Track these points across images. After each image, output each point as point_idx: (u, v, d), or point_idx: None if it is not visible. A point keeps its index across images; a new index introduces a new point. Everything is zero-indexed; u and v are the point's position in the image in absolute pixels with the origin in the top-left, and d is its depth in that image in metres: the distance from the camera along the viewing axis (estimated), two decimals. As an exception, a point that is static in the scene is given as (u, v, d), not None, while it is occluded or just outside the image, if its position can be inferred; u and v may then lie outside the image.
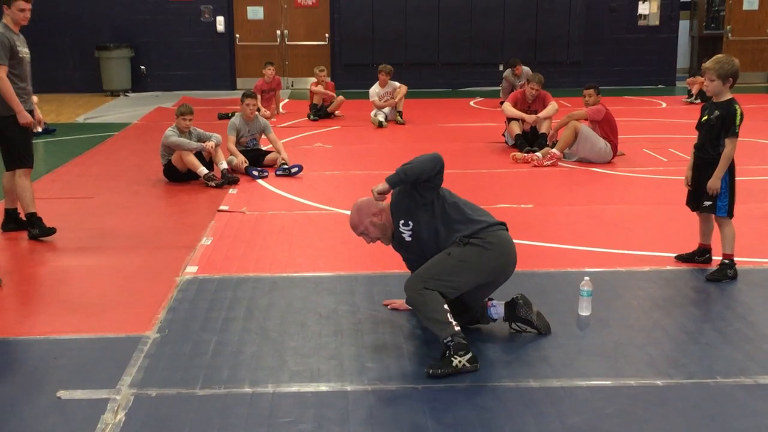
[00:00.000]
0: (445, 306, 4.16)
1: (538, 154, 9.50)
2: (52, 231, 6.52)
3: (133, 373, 4.08)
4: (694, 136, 5.67)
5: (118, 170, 9.36)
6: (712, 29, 19.07)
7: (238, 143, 9.18)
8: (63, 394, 3.86)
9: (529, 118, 10.21)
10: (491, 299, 4.60)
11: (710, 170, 5.42)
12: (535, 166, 9.29)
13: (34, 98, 6.68)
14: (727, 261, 5.45)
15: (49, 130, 11.49)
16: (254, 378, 4.03)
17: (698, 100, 14.16)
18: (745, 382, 3.99)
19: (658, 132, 11.77)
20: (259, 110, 10.32)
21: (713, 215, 5.54)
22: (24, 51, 6.40)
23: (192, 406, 3.76)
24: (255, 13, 17.90)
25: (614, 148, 9.46)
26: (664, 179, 8.57)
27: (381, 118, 12.45)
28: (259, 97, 11.49)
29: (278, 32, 17.97)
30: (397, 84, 12.85)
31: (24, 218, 6.64)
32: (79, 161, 9.96)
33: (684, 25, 19.10)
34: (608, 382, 3.99)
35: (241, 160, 8.94)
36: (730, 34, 18.70)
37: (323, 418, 3.63)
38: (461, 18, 17.77)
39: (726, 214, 5.47)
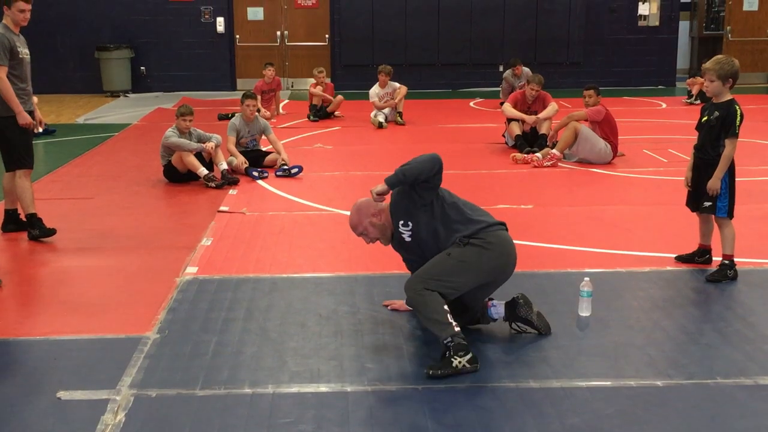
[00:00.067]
0: (445, 306, 4.16)
1: (538, 154, 9.50)
2: (52, 232, 6.52)
3: (133, 373, 4.08)
4: (694, 137, 5.67)
5: (118, 171, 9.36)
6: (712, 30, 19.07)
7: (238, 144, 9.18)
8: (63, 394, 3.86)
9: (529, 118, 10.21)
10: (491, 299, 4.60)
11: (710, 171, 5.42)
12: (535, 166, 9.29)
13: (34, 99, 6.68)
14: (727, 262, 5.45)
15: (49, 131, 11.49)
16: (254, 378, 4.03)
17: (698, 101, 14.16)
18: (745, 382, 3.99)
19: (658, 133, 11.77)
20: (259, 111, 10.32)
21: (713, 216, 5.54)
22: (24, 52, 6.40)
23: (192, 407, 3.76)
24: (255, 13, 17.90)
25: (614, 148, 9.46)
26: (664, 180, 8.57)
27: (381, 118, 12.45)
28: (259, 97, 11.50)
29: (278, 33, 17.98)
30: (397, 85, 12.85)
31: (24, 219, 6.64)
32: (79, 162, 9.96)
33: (684, 26, 19.09)
34: (608, 383, 3.99)
35: (241, 160, 8.94)
36: (730, 35, 18.70)
37: (323, 419, 3.63)
38: (461, 19, 17.77)
39: (726, 214, 5.47)
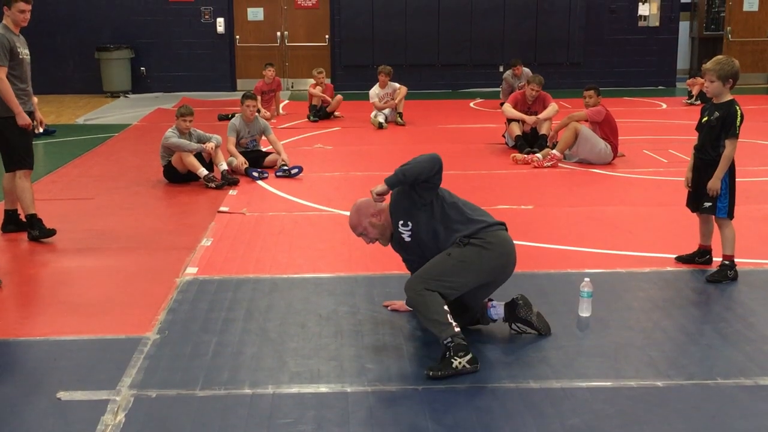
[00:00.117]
0: (445, 307, 4.16)
1: (539, 155, 9.50)
2: (52, 232, 6.52)
3: (133, 374, 4.08)
4: (694, 138, 5.67)
5: (118, 171, 9.36)
6: (712, 30, 19.08)
7: (238, 144, 9.18)
8: (63, 395, 3.86)
9: (530, 119, 10.22)
10: (491, 300, 4.60)
11: (710, 171, 5.42)
12: (536, 167, 9.29)
13: (34, 99, 6.68)
14: (727, 262, 5.45)
15: (49, 131, 11.49)
16: (254, 379, 4.03)
17: (698, 102, 14.16)
18: (745, 383, 3.99)
19: (658, 133, 11.76)
20: (259, 111, 10.32)
21: (713, 216, 5.54)
22: (24, 52, 6.40)
23: (192, 407, 3.76)
24: (255, 14, 17.90)
25: (614, 149, 9.46)
26: (664, 180, 8.57)
27: (381, 119, 12.46)
28: (259, 98, 11.50)
29: (278, 33, 17.98)
30: (397, 85, 12.85)
31: (24, 219, 6.64)
32: (79, 162, 9.96)
33: (684, 26, 19.10)
34: (608, 383, 3.99)
35: (241, 161, 8.94)
36: (730, 35, 18.70)
37: (323, 419, 3.63)
38: (461, 19, 17.77)
39: (726, 215, 5.47)
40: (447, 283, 4.23)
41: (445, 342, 4.07)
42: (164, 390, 3.91)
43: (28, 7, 6.31)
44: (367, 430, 3.56)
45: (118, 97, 16.95)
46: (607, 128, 9.43)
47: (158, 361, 4.24)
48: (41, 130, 7.12)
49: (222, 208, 7.45)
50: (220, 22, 17.57)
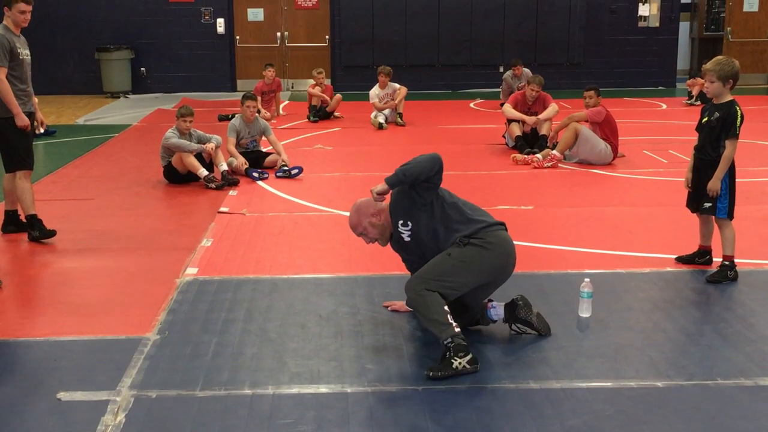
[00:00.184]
0: (446, 307, 4.16)
1: (539, 155, 9.50)
2: (52, 233, 6.52)
3: (133, 374, 4.08)
4: (694, 138, 5.67)
5: (118, 172, 9.37)
6: (712, 31, 19.08)
7: (238, 145, 9.18)
8: (63, 395, 3.86)
9: (530, 119, 10.22)
10: (491, 300, 4.60)
11: (710, 172, 5.42)
12: (536, 167, 9.29)
13: (35, 99, 6.67)
14: (727, 263, 5.45)
15: (49, 132, 11.48)
16: (254, 379, 4.03)
17: (698, 102, 14.16)
18: (745, 383, 3.99)
19: (659, 134, 11.77)
20: (259, 112, 10.32)
21: (713, 217, 5.54)
22: (24, 53, 6.40)
23: (192, 408, 3.76)
24: (255, 14, 17.90)
25: (614, 149, 9.46)
26: (664, 181, 8.57)
27: (381, 119, 12.46)
28: (259, 98, 11.51)
29: (278, 34, 17.98)
30: (397, 86, 12.85)
31: (24, 220, 6.64)
32: (80, 163, 9.96)
33: (684, 27, 19.10)
34: (608, 384, 3.99)
35: (241, 161, 8.94)
36: (730, 36, 18.70)
37: (323, 420, 3.63)
38: (461, 20, 17.77)
39: (726, 215, 5.47)
40: (447, 283, 4.23)
41: (445, 342, 4.07)
42: (164, 390, 3.91)
43: (29, 8, 6.31)
44: (367, 430, 3.56)
45: (119, 97, 16.95)
46: (607, 129, 9.43)
47: (158, 361, 4.24)
48: (42, 131, 7.12)
49: (222, 209, 7.45)
50: (221, 22, 17.57)
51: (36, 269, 6.01)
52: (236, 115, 9.51)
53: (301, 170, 8.93)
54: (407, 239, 4.49)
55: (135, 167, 9.60)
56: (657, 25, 18.18)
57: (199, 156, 8.55)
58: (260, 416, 3.68)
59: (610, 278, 5.51)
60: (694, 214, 5.71)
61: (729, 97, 5.41)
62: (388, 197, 4.49)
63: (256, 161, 9.17)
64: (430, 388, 3.92)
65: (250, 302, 5.10)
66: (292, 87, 17.90)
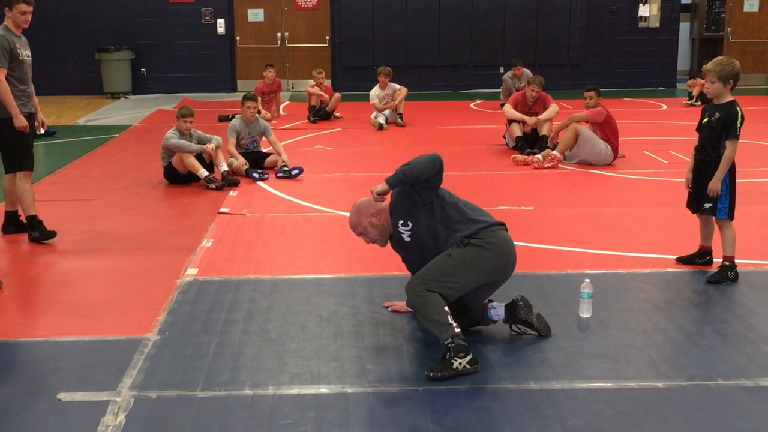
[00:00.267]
0: (446, 308, 4.16)
1: (539, 156, 9.50)
2: (52, 234, 6.52)
3: (133, 375, 4.08)
4: (694, 139, 5.67)
5: (118, 172, 9.37)
6: (712, 31, 19.08)
7: (238, 145, 9.18)
8: (63, 396, 3.86)
9: (530, 120, 10.22)
10: (491, 301, 4.60)
11: (711, 172, 5.42)
12: (536, 168, 9.29)
13: (35, 100, 6.67)
14: (727, 263, 5.45)
15: (49, 132, 11.48)
16: (255, 380, 4.03)
17: (699, 102, 14.16)
18: (745, 384, 3.99)
19: (659, 134, 11.77)
20: (259, 112, 10.32)
21: (714, 217, 5.54)
22: (25, 53, 6.40)
23: (192, 408, 3.76)
24: (255, 15, 17.91)
25: (615, 150, 9.46)
26: (664, 181, 8.57)
27: (381, 120, 12.46)
28: (259, 99, 11.50)
29: (279, 34, 17.98)
30: (397, 86, 12.86)
31: (24, 221, 6.64)
32: (80, 163, 9.96)
33: (684, 27, 19.09)
34: (609, 384, 3.99)
35: (241, 162, 8.94)
36: (730, 36, 18.70)
37: (323, 420, 3.63)
38: (461, 20, 17.77)
39: (726, 216, 5.47)
40: (447, 284, 4.23)
41: (445, 343, 4.07)
42: (165, 391, 3.91)
43: (30, 9, 6.31)
44: (368, 431, 3.56)
45: (119, 98, 16.96)
46: (607, 129, 9.43)
47: (159, 362, 4.24)
48: (42, 131, 7.12)
49: (222, 209, 7.45)
50: (221, 23, 17.58)
51: (36, 270, 6.01)
52: (236, 116, 9.51)
53: (301, 171, 8.93)
54: (407, 239, 4.49)
55: (135, 168, 9.60)
56: (657, 25, 18.18)
57: (199, 156, 8.56)
58: (261, 417, 3.68)
59: (611, 279, 5.51)
60: (695, 215, 5.71)
61: (729, 98, 5.41)
62: (388, 197, 4.49)
63: (257, 162, 9.17)
64: (431, 389, 3.92)
65: (251, 303, 5.10)
66: (293, 87, 17.90)
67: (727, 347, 4.43)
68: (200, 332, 4.63)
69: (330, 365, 4.20)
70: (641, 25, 18.20)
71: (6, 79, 6.19)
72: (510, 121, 10.36)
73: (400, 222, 4.47)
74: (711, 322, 4.81)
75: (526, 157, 9.58)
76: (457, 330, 4.10)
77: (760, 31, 18.85)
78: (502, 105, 11.85)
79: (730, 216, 5.48)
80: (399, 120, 12.66)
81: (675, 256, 5.84)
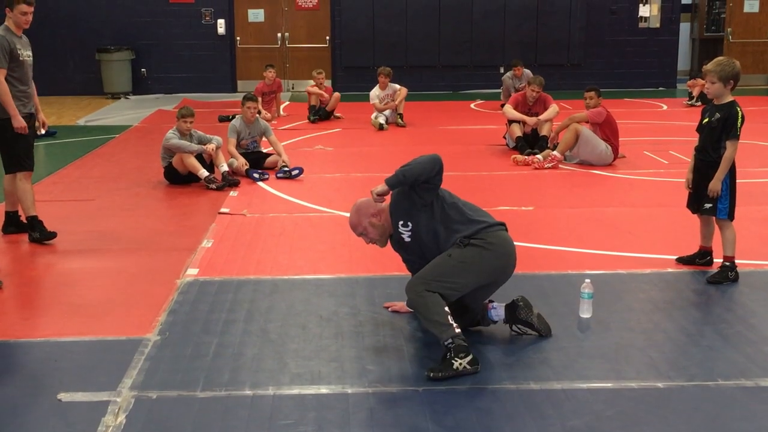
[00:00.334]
0: (446, 308, 4.16)
1: (539, 156, 9.50)
2: (52, 235, 6.52)
3: (133, 375, 4.08)
4: (694, 139, 5.67)
5: (118, 173, 9.37)
6: (712, 32, 19.09)
7: (238, 146, 9.18)
8: (64, 396, 3.86)
9: (530, 120, 10.22)
10: (491, 301, 4.60)
11: (711, 173, 5.41)
12: (536, 168, 9.29)
13: (37, 100, 6.67)
14: (728, 263, 5.45)
15: (50, 133, 11.48)
16: (255, 380, 4.03)
17: (699, 103, 14.16)
18: (746, 384, 3.99)
19: (659, 134, 11.77)
20: (259, 113, 10.32)
21: (714, 218, 5.54)
22: (26, 54, 6.40)
23: (193, 409, 3.76)
24: (256, 15, 17.91)
25: (615, 150, 9.46)
26: (664, 182, 8.57)
27: (381, 120, 12.46)
28: (259, 99, 11.51)
29: (279, 35, 17.99)
30: (398, 86, 12.86)
31: (25, 221, 6.64)
32: (80, 164, 9.96)
33: (685, 28, 19.09)
34: (609, 385, 3.99)
35: (241, 162, 8.94)
36: (730, 37, 18.71)
37: (324, 421, 3.63)
38: (462, 20, 17.77)
39: (727, 216, 5.47)
40: (448, 284, 4.23)
41: (445, 343, 4.07)
42: (165, 391, 3.92)
43: (30, 9, 6.31)
44: (368, 431, 3.56)
45: (119, 98, 16.96)
46: (607, 129, 9.43)
47: (159, 362, 4.24)
48: (43, 132, 7.11)
49: (223, 210, 7.45)
50: (221, 23, 17.58)
51: (36, 270, 6.01)
52: (237, 116, 9.51)
53: (301, 171, 8.93)
54: (408, 240, 4.49)
55: (135, 168, 9.60)
56: (657, 25, 18.18)
57: (199, 157, 8.56)
58: (261, 417, 3.68)
59: (611, 279, 5.51)
60: (695, 215, 5.71)
61: (730, 98, 5.41)
62: (388, 198, 4.49)
63: (257, 162, 9.17)
64: (431, 389, 3.92)
65: (251, 303, 5.10)
66: (293, 88, 17.90)
67: (727, 347, 4.42)
68: (200, 332, 4.63)
69: (330, 365, 4.20)
70: (641, 25, 18.20)
71: (6, 79, 6.19)
72: (510, 122, 10.37)
73: (400, 222, 4.47)
74: (711, 323, 4.81)
75: (526, 157, 9.59)
76: (458, 330, 4.10)
77: (761, 32, 18.85)
78: (503, 105, 11.85)
79: (731, 216, 5.48)
80: (399, 120, 12.66)
81: (675, 257, 5.84)
